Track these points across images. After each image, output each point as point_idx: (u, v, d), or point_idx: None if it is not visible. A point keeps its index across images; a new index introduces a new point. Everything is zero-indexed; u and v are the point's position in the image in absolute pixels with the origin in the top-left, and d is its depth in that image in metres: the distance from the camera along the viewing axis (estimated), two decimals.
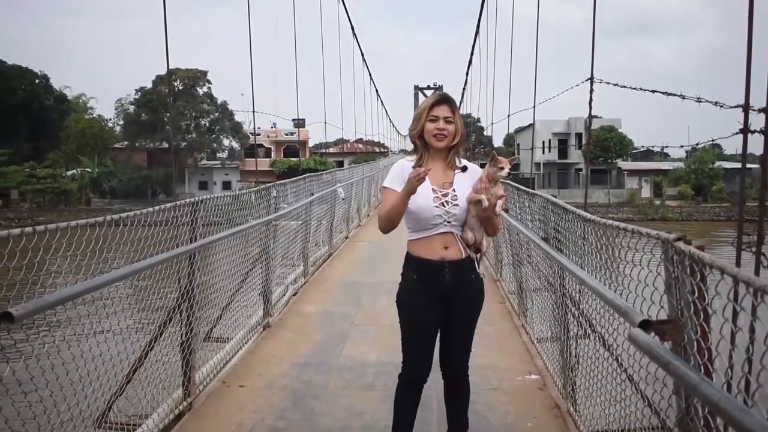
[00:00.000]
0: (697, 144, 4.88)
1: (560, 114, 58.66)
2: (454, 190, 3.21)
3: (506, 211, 7.97)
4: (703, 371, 2.02)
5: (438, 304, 3.25)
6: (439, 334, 3.37)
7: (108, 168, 57.44)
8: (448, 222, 3.18)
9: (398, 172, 3.26)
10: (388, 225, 3.24)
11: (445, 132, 3.18)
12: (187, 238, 4.38)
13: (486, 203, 3.11)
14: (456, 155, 3.30)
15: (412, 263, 3.27)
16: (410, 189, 3.03)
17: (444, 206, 3.16)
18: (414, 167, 3.20)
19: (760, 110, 3.11)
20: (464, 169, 3.29)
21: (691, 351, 2.10)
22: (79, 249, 3.03)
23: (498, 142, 71.77)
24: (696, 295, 2.05)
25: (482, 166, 3.36)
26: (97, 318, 3.58)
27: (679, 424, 2.35)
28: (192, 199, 4.47)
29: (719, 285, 1.90)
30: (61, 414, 3.14)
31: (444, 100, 3.24)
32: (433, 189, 3.18)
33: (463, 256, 3.22)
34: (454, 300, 3.26)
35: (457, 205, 3.18)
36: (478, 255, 3.31)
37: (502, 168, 3.16)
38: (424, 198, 3.15)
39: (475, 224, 3.22)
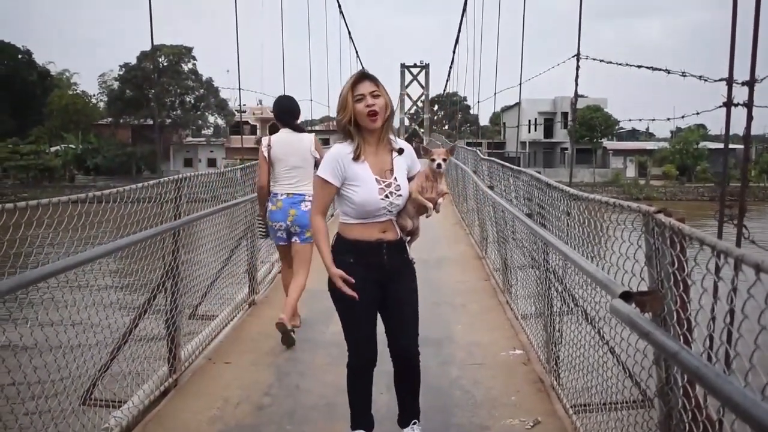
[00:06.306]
0: (682, 117, 4.91)
1: (547, 93, 58.78)
2: (396, 179, 3.17)
3: (491, 188, 8.00)
4: (682, 341, 2.04)
5: (375, 287, 3.21)
6: (384, 322, 3.33)
7: (92, 144, 57.02)
8: (390, 212, 3.17)
9: (332, 161, 3.15)
10: None
11: (375, 108, 3.06)
12: (171, 215, 4.36)
13: (431, 213, 3.23)
14: (389, 131, 3.23)
15: (348, 246, 3.18)
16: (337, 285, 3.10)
17: (388, 197, 3.13)
18: (353, 158, 3.11)
19: (743, 83, 3.12)
20: (400, 151, 3.25)
21: (671, 321, 2.13)
22: (61, 226, 3.00)
23: (484, 120, 71.78)
24: (676, 266, 2.07)
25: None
26: (80, 295, 3.57)
27: (659, 394, 2.38)
28: (176, 177, 4.44)
29: (703, 258, 1.91)
30: (46, 391, 3.14)
31: (364, 76, 3.13)
32: (376, 179, 3.13)
33: (399, 237, 3.23)
34: (392, 281, 3.25)
35: (400, 195, 3.16)
36: (409, 238, 3.34)
37: (437, 162, 3.22)
38: (369, 191, 3.10)
39: (413, 213, 3.27)
